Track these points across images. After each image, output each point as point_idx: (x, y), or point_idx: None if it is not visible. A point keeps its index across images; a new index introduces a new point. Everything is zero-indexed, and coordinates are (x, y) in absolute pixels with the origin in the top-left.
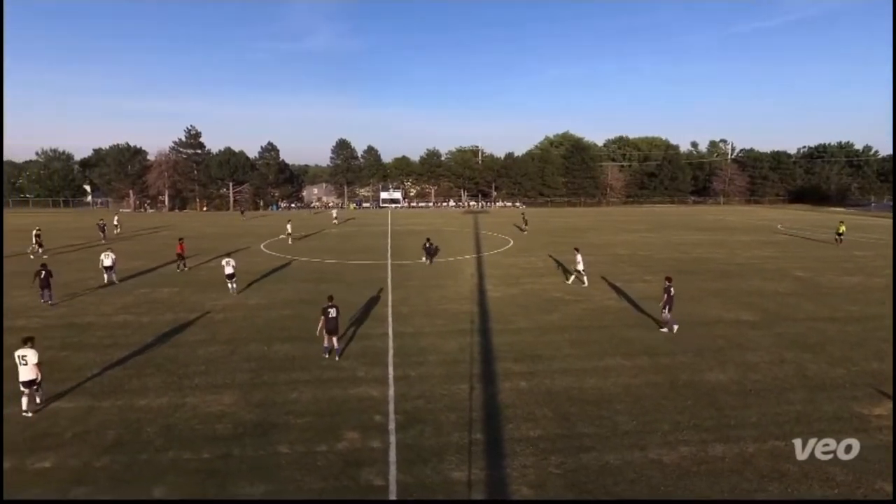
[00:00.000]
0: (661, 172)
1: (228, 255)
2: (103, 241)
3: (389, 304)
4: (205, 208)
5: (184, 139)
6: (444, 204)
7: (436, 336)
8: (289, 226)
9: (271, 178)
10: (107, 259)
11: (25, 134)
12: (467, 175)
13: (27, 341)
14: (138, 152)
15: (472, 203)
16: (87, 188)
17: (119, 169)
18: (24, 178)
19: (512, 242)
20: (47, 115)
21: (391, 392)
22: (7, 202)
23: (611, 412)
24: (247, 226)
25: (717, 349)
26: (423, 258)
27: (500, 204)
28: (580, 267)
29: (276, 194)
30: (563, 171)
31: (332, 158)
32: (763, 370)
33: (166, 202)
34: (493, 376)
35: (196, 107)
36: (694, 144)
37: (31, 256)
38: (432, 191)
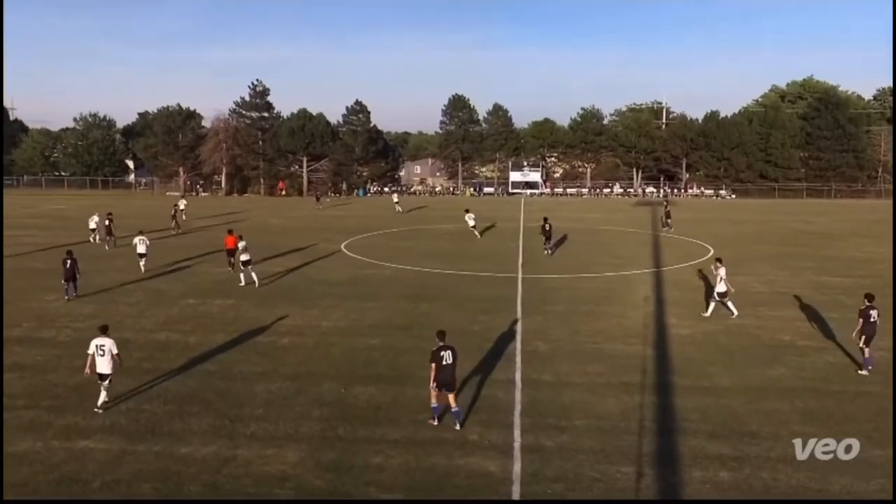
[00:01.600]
0: None
1: (241, 237)
2: (180, 231)
3: (519, 336)
4: (283, 191)
5: (247, 98)
6: (607, 190)
7: (587, 389)
8: (470, 217)
9: (358, 152)
10: (141, 245)
11: (62, 92)
12: (642, 147)
13: (104, 330)
14: (191, 116)
15: (650, 189)
16: (130, 164)
17: (167, 139)
18: (59, 151)
19: (712, 251)
20: (87, 73)
21: (517, 468)
22: (40, 181)
23: None
24: (322, 216)
25: None
26: (545, 248)
27: (693, 191)
28: (721, 288)
29: (365, 174)
30: (802, 140)
31: (442, 123)
32: None
33: (223, 183)
34: (676, 458)
35: (263, 56)
36: None
37: (107, 247)
38: (588, 170)
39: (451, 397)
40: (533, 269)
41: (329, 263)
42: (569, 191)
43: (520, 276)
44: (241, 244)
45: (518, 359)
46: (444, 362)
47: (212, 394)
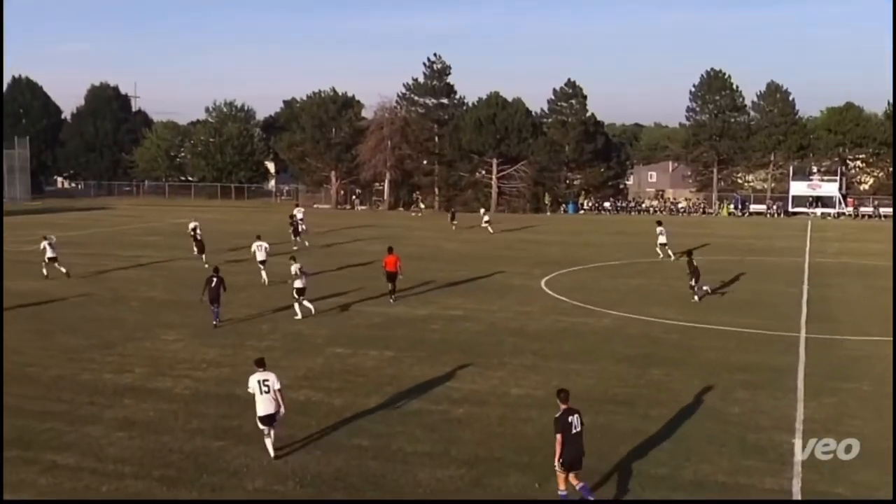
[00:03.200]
0: None
1: (293, 258)
2: (301, 246)
3: (799, 425)
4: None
5: (421, 80)
6: None
7: None
8: (662, 232)
9: (569, 152)
10: (260, 252)
11: (195, 77)
12: None
13: (262, 363)
14: (349, 105)
15: None
16: (271, 167)
17: (318, 134)
18: (186, 150)
19: None
20: (224, 51)
21: None
22: (163, 188)
23: None
24: (515, 241)
25: None
26: (694, 291)
27: None
28: None
29: (577, 182)
30: None
31: (689, 112)
32: None
33: (385, 193)
34: None
35: (443, 22)
36: None
37: (206, 265)
38: None
39: (573, 476)
40: (823, 325)
41: (523, 307)
42: (883, 211)
43: (802, 335)
44: (294, 267)
45: (797, 459)
46: (573, 430)
47: (361, 477)
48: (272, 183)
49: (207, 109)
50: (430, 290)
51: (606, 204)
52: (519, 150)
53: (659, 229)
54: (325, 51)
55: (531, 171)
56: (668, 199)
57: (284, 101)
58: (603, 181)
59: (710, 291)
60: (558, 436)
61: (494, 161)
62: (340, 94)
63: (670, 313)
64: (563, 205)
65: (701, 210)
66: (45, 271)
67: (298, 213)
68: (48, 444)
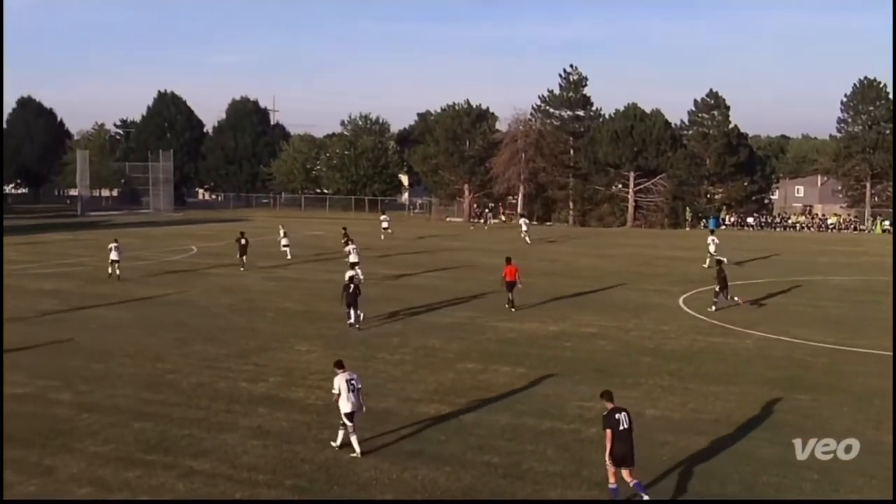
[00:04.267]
0: None
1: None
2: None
3: None
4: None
5: (556, 91)
6: None
7: None
8: (713, 240)
9: (710, 165)
10: (353, 254)
11: (333, 89)
12: None
13: (343, 364)
14: (483, 117)
15: None
16: (404, 180)
17: (451, 147)
18: (322, 163)
19: None
20: (361, 62)
21: None
22: (299, 200)
23: None
24: (650, 257)
25: None
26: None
27: None
28: None
29: (718, 196)
30: None
31: (840, 123)
32: None
33: (519, 206)
34: None
35: (578, 31)
36: None
37: (241, 269)
38: None
39: (626, 473)
40: None
41: (660, 325)
42: None
43: None
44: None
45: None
46: (620, 427)
47: (490, 495)
48: (405, 195)
49: (343, 122)
50: (563, 306)
51: (750, 220)
52: (657, 163)
53: (710, 238)
54: (460, 63)
55: (670, 185)
56: (817, 214)
57: (419, 114)
58: (746, 196)
59: (740, 303)
60: (608, 432)
61: (631, 174)
62: (474, 106)
63: (816, 335)
64: (704, 220)
65: (852, 227)
66: (109, 271)
67: (384, 222)
68: (186, 449)
